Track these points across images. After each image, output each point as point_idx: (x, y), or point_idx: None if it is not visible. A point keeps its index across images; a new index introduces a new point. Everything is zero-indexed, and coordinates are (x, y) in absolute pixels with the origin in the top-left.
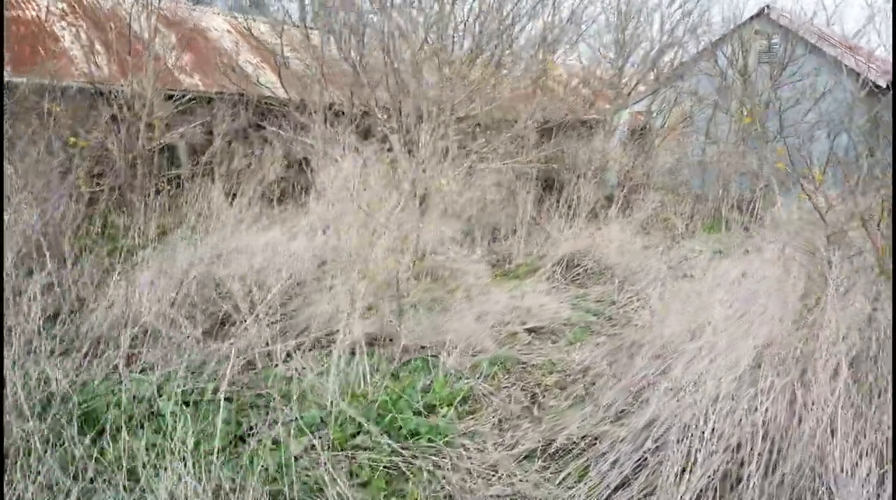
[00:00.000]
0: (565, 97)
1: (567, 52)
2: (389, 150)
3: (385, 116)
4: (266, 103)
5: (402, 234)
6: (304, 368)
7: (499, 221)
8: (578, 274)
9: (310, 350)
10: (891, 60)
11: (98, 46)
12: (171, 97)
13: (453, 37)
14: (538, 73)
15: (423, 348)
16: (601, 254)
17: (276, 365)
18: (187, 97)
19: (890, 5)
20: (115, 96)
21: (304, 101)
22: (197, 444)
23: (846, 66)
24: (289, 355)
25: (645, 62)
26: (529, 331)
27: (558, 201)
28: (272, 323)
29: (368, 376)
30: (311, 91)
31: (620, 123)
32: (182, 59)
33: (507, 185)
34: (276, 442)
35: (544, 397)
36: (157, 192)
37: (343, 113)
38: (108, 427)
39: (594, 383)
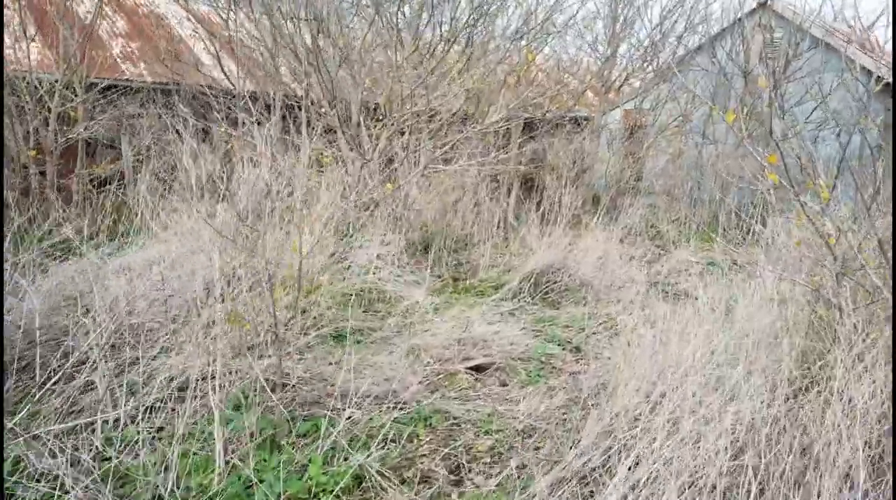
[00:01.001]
0: (548, 90)
1: (552, 41)
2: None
3: (331, 110)
4: (211, 94)
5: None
6: (140, 440)
7: (466, 228)
8: (550, 291)
9: (167, 411)
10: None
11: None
12: (109, 87)
13: (397, 20)
14: (519, 64)
15: (325, 398)
16: (578, 266)
17: (104, 434)
18: (107, 86)
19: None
20: (15, 85)
21: (254, 93)
22: None
23: (860, 64)
24: (130, 420)
25: (638, 54)
26: (475, 369)
27: (538, 206)
28: (120, 372)
29: (220, 454)
30: (266, 82)
31: (610, 122)
32: (129, 46)
33: (475, 188)
34: None
35: (470, 471)
36: (68, 192)
37: (299, 106)
38: None
39: (538, 448)
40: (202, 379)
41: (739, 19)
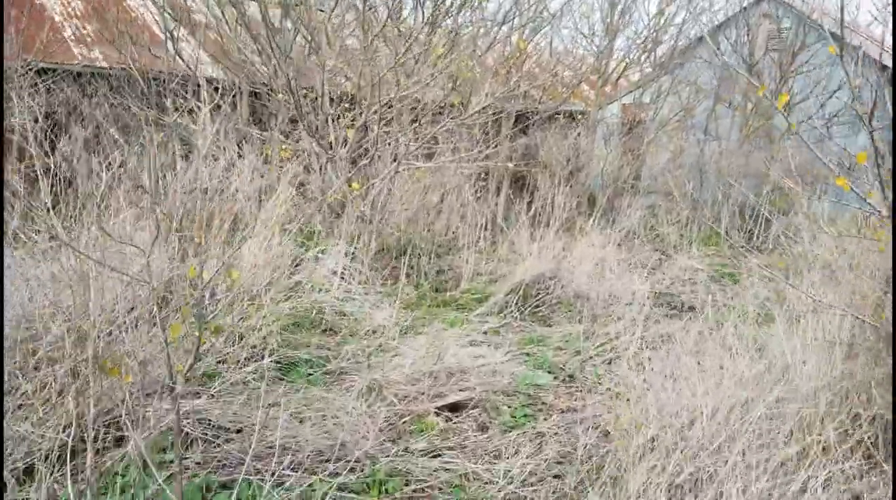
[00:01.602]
0: (541, 80)
1: (546, 27)
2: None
3: (291, 97)
4: (162, 80)
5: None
6: None
7: (449, 231)
8: (540, 304)
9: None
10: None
11: None
12: (47, 70)
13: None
14: (510, 51)
15: (250, 458)
16: (573, 275)
17: None
18: (46, 69)
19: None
20: None
21: (215, 79)
22: None
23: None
24: None
25: (636, 45)
26: (449, 409)
27: (529, 206)
28: None
29: None
30: (229, 67)
31: (607, 116)
32: (84, 28)
33: (459, 187)
34: None
35: None
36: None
37: (268, 94)
38: None
39: None
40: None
41: (744, 8)
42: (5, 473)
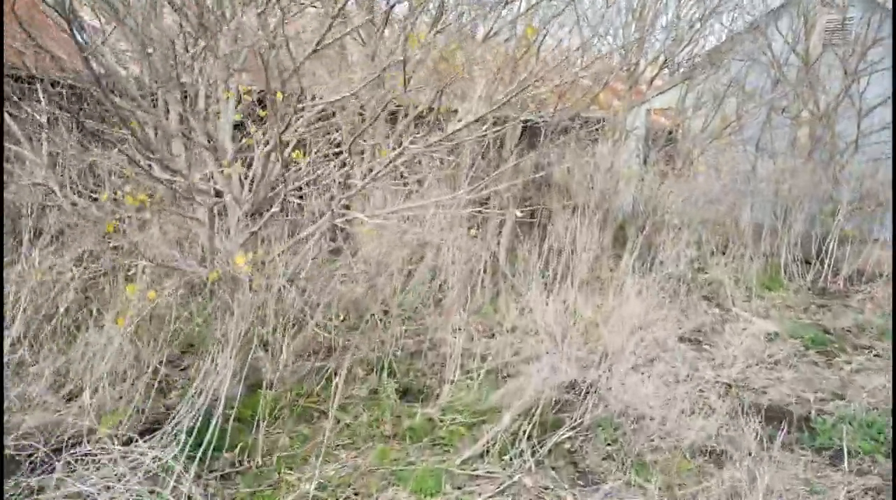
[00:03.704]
0: (559, 82)
1: (560, 14)
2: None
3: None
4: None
5: None
6: None
7: (432, 282)
8: (567, 441)
9: None
10: None
11: None
12: None
13: None
14: (518, 44)
15: None
16: (611, 367)
17: None
18: None
19: None
20: None
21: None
22: None
23: None
24: None
25: (672, 37)
26: None
27: (539, 251)
28: None
29: None
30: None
31: (637, 125)
32: None
33: (445, 231)
34: None
35: None
36: None
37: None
38: None
39: None
40: None
41: None
42: None
